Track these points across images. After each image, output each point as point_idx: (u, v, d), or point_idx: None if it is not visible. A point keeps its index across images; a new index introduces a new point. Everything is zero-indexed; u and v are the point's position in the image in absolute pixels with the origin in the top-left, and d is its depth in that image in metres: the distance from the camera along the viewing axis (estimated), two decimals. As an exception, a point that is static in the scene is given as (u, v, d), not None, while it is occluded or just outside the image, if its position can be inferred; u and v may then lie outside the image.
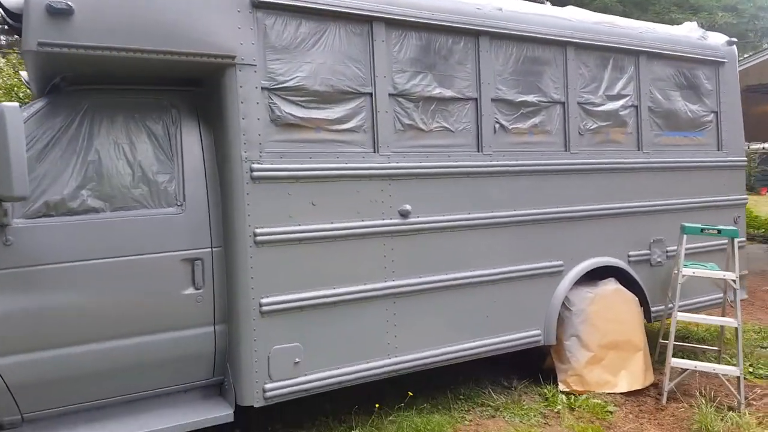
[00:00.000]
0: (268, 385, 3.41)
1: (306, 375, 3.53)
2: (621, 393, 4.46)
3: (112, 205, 3.23)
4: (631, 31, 4.93)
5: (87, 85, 3.29)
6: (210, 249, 3.43)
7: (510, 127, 4.32)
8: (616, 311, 4.63)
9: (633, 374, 4.57)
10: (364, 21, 3.71)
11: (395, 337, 3.83)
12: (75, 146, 3.17)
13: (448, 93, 4.05)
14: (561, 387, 4.47)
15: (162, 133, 3.41)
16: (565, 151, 4.57)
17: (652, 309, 5.05)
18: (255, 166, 3.35)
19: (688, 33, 5.44)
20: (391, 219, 3.80)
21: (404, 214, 3.84)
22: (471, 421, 3.99)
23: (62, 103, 3.21)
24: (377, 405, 3.94)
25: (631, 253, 4.90)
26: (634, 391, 4.50)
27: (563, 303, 4.57)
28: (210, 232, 3.43)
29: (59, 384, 3.09)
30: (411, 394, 3.97)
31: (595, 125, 4.73)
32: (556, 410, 4.13)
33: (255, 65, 3.36)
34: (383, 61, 3.77)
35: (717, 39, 5.59)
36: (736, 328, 4.43)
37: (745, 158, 5.74)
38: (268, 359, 3.41)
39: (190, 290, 3.37)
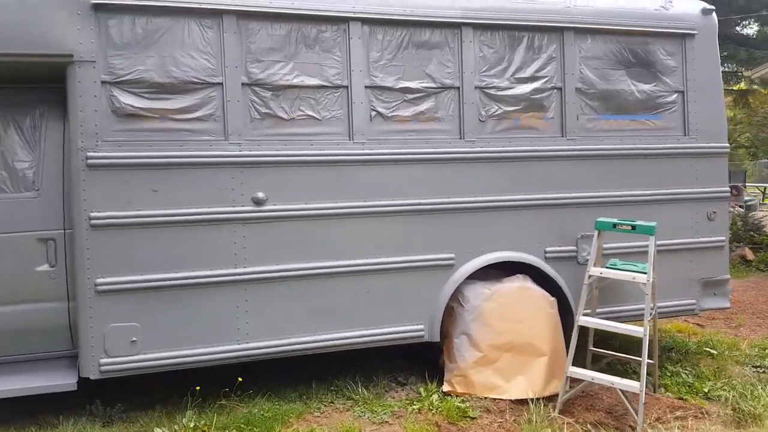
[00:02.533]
0: (104, 360, 3.67)
1: (143, 354, 3.73)
2: (511, 400, 4.13)
3: (-24, 189, 3.68)
4: (551, 6, 4.50)
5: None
6: (63, 230, 3.76)
7: (389, 114, 4.19)
8: (518, 311, 4.29)
9: (531, 381, 4.21)
10: (215, 14, 3.81)
11: (247, 324, 3.91)
12: None
13: (313, 81, 4.02)
14: (445, 387, 4.25)
15: (29, 126, 3.80)
16: (460, 138, 4.32)
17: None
18: (90, 154, 3.61)
19: (644, 3, 4.83)
20: (242, 206, 3.88)
21: (258, 202, 3.90)
22: (323, 412, 3.95)
23: None
24: (239, 382, 4.02)
25: (549, 249, 4.50)
26: (532, 399, 4.15)
27: (458, 299, 4.35)
28: (63, 215, 3.76)
29: None
30: (240, 379, 4.00)
31: (499, 111, 4.41)
32: (415, 409, 3.95)
33: (94, 62, 3.61)
34: (234, 52, 3.85)
35: (688, 8, 4.91)
36: (643, 339, 3.91)
37: (725, 144, 4.97)
38: (104, 336, 3.66)
39: (45, 267, 3.74)
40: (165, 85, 3.75)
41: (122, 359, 3.70)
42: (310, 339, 4.03)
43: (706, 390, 4.37)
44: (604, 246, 4.51)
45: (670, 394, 4.35)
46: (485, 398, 4.12)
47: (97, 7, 3.60)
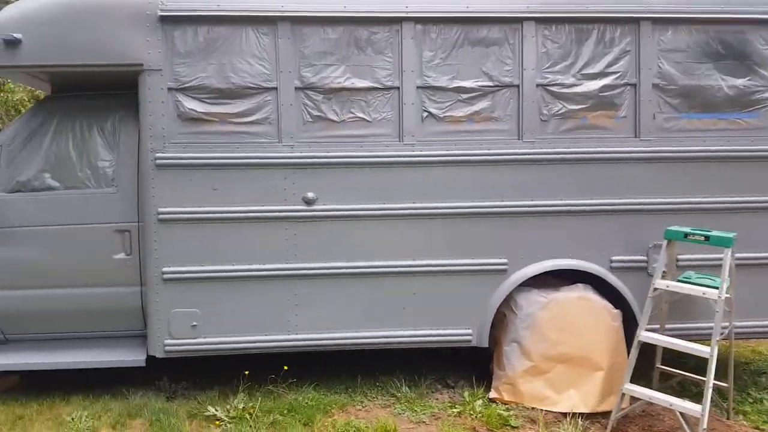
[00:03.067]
0: (168, 341, 4.04)
1: (203, 338, 4.06)
2: (562, 413, 3.96)
3: (65, 185, 4.19)
4: (629, -5, 4.15)
5: (59, 93, 4.29)
6: (137, 223, 4.17)
7: (442, 115, 4.12)
8: (575, 322, 4.08)
9: (584, 395, 4.00)
10: (270, 21, 3.98)
11: (296, 316, 4.10)
12: (42, 140, 4.19)
13: (364, 83, 4.06)
14: (491, 394, 4.17)
15: (109, 128, 4.25)
16: (518, 139, 4.15)
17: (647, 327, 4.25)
18: (159, 155, 3.96)
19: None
20: (294, 205, 4.05)
21: (308, 202, 4.05)
22: (365, 406, 4.05)
23: (40, 108, 4.26)
24: (284, 370, 4.23)
25: (615, 258, 4.21)
26: (586, 414, 3.95)
27: (510, 306, 4.22)
28: (137, 210, 4.16)
29: (28, 316, 4.17)
30: (286, 368, 4.18)
31: (564, 109, 4.17)
32: (454, 413, 3.91)
33: (161, 70, 3.94)
34: (288, 57, 4.00)
35: (795, -10, 4.29)
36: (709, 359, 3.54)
37: (840, 146, 4.30)
38: (169, 319, 4.03)
39: (121, 255, 4.18)
40: (224, 91, 3.99)
41: (184, 341, 4.05)
42: (356, 335, 4.14)
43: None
44: (683, 257, 4.14)
45: (745, 423, 3.92)
46: (532, 409, 3.99)
47: (164, 20, 3.91)
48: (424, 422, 3.82)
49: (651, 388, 4.14)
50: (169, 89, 3.96)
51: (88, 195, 4.19)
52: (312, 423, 3.76)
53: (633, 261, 4.20)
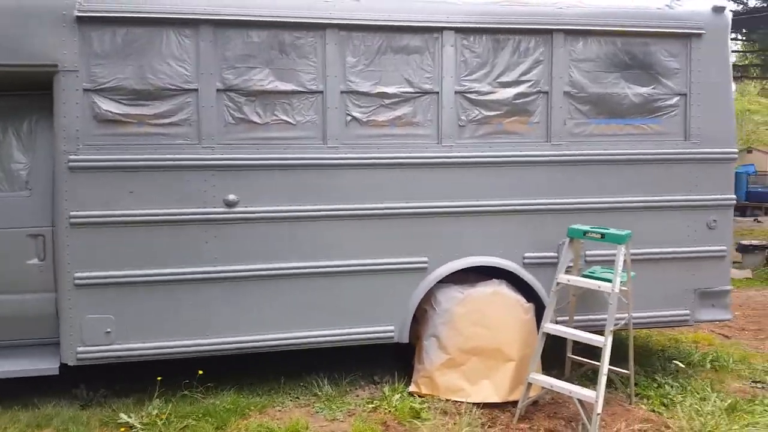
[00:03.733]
0: (80, 348, 3.96)
1: (117, 344, 4.00)
2: (477, 404, 4.16)
3: (-23, 187, 4.03)
4: (540, 8, 4.35)
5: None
6: (51, 227, 4.05)
7: (365, 119, 4.21)
8: (489, 316, 4.28)
9: (496, 385, 4.22)
10: (192, 24, 3.94)
11: (216, 319, 4.11)
12: None
13: (288, 87, 4.09)
14: (411, 387, 4.33)
15: (25, 130, 4.10)
16: (437, 143, 4.30)
17: (558, 319, 4.53)
18: (72, 157, 3.86)
19: (647, 2, 4.58)
20: (214, 208, 4.05)
21: (229, 204, 4.05)
22: (285, 407, 4.12)
23: None
24: (199, 375, 4.24)
25: (527, 255, 4.44)
26: (500, 404, 4.17)
27: (431, 302, 4.39)
28: (52, 214, 4.05)
29: None
30: (201, 372, 4.18)
31: (480, 115, 4.34)
32: (370, 408, 4.06)
33: (77, 71, 3.83)
34: (210, 59, 3.97)
35: (696, 6, 4.61)
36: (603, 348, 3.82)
37: (733, 150, 4.68)
38: (81, 326, 3.95)
39: (35, 261, 4.06)
40: (143, 92, 3.93)
41: (97, 348, 3.98)
42: (279, 336, 4.19)
43: (687, 404, 4.23)
44: (591, 253, 4.43)
45: (643, 406, 4.24)
46: (448, 401, 4.17)
47: (81, 20, 3.80)
48: (338, 419, 3.93)
49: (563, 377, 4.44)
50: (85, 90, 3.86)
51: (0, 198, 4.05)
52: (225, 426, 3.79)
53: (544, 257, 4.45)
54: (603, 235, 3.97)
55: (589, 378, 4.60)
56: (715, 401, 4.22)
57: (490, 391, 4.21)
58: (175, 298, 4.05)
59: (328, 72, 4.11)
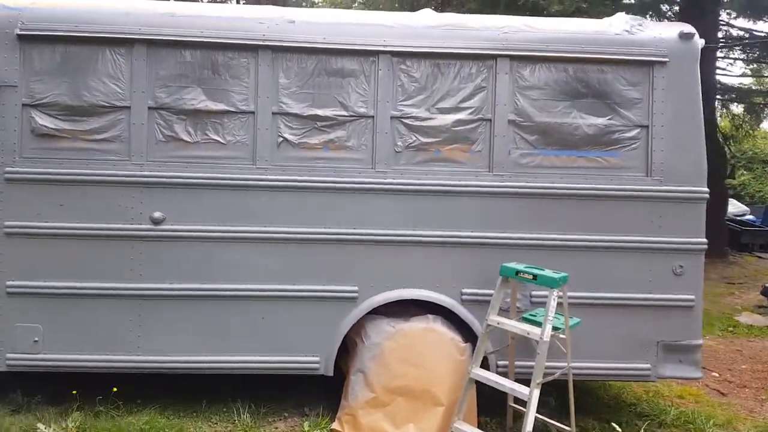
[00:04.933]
0: (10, 355, 4.03)
1: (44, 353, 4.05)
2: (398, 447, 3.90)
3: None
4: (483, 32, 4.20)
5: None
6: None
7: (297, 141, 4.16)
8: (420, 354, 4.05)
9: (423, 430, 3.94)
10: (126, 43, 4.05)
11: (139, 337, 4.09)
12: None
13: (219, 106, 4.11)
14: (334, 425, 4.11)
15: None
16: (371, 168, 4.17)
17: (498, 363, 4.22)
18: (8, 169, 3.99)
19: (606, 27, 4.34)
20: (140, 224, 4.07)
21: (155, 221, 4.06)
22: (194, 430, 4.01)
23: None
24: (114, 389, 4.22)
25: (466, 290, 4.19)
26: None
27: (360, 334, 4.20)
28: None
29: None
30: (115, 389, 4.15)
31: (417, 142, 4.19)
32: (281, 443, 3.88)
33: (16, 86, 4.00)
34: (141, 77, 4.06)
35: (661, 32, 4.32)
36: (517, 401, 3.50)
37: (703, 189, 4.28)
38: (10, 334, 4.02)
39: None
40: (77, 108, 4.04)
41: (25, 356, 4.03)
42: (202, 359, 4.11)
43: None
44: (537, 293, 4.13)
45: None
46: (367, 443, 3.93)
47: (22, 38, 3.98)
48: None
49: (505, 428, 4.11)
50: (24, 105, 4.01)
51: None
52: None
53: (484, 294, 4.16)
54: (535, 276, 3.68)
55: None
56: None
57: (412, 436, 3.93)
58: (101, 312, 4.07)
59: (260, 93, 4.10)
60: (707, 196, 4.30)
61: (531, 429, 3.39)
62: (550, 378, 3.70)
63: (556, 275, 3.62)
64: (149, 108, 4.07)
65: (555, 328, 3.75)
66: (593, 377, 4.26)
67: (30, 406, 4.26)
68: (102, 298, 4.06)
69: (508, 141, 4.21)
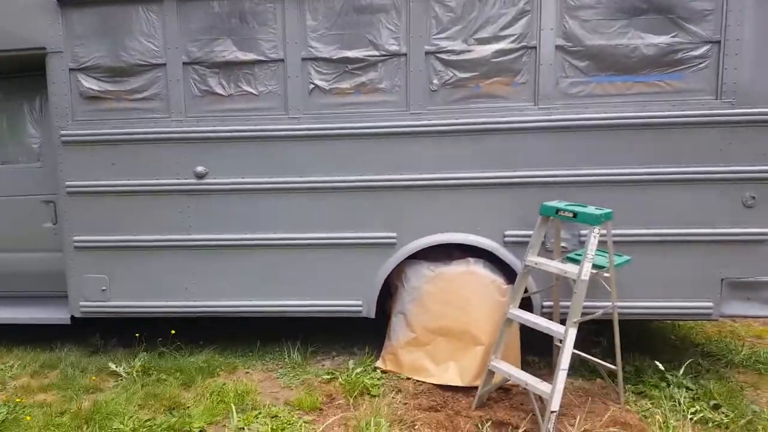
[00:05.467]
0: (83, 303, 4.43)
1: (112, 301, 4.41)
2: (440, 386, 3.96)
3: (1, 160, 4.63)
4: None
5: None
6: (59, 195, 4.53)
7: (328, 87, 4.05)
8: (459, 296, 4.00)
9: (462, 369, 3.95)
10: (156, 0, 4.04)
11: (193, 284, 4.33)
12: None
13: (249, 56, 4.05)
14: (378, 363, 4.23)
15: (36, 107, 4.59)
16: (405, 111, 4.00)
17: (543, 304, 4.09)
18: (63, 132, 4.23)
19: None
20: (185, 179, 4.21)
21: (199, 176, 4.19)
22: (253, 370, 4.27)
23: None
24: (172, 334, 4.57)
25: (508, 232, 4.03)
26: (464, 388, 3.93)
27: (402, 278, 4.20)
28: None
29: None
30: (174, 331, 4.46)
31: (454, 78, 3.94)
32: (325, 379, 4.04)
33: (62, 52, 4.15)
34: (175, 33, 4.06)
35: (740, -74, 3.68)
36: (561, 340, 3.37)
37: (785, 110, 3.75)
38: (81, 284, 4.40)
39: (49, 224, 4.59)
40: (117, 69, 4.15)
41: (95, 303, 4.42)
42: (250, 303, 4.30)
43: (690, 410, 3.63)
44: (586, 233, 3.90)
45: (630, 408, 3.71)
46: (408, 379, 4.02)
47: (62, 3, 4.09)
48: (290, 387, 3.98)
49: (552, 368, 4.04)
50: (71, 70, 4.18)
51: (19, 169, 4.60)
52: (191, 383, 4.03)
53: (528, 236, 3.97)
54: (575, 214, 3.45)
55: (576, 369, 4.14)
56: (726, 413, 3.57)
57: (455, 375, 3.96)
58: (156, 263, 4.33)
59: (287, 38, 3.99)
60: (789, 117, 3.76)
61: (566, 367, 3.27)
62: (588, 318, 3.53)
63: (597, 212, 3.37)
64: (183, 63, 4.10)
65: (599, 267, 3.54)
66: (648, 317, 4.01)
67: (107, 348, 4.70)
68: (156, 250, 4.31)
69: (556, 69, 3.86)
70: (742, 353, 4.46)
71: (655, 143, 3.84)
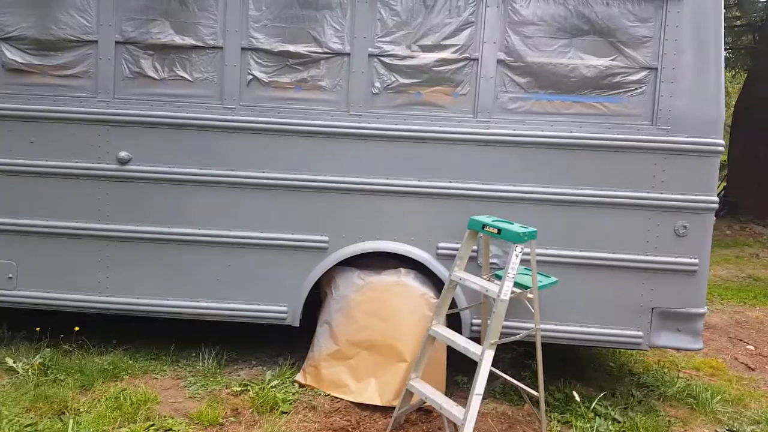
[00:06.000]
0: (-14, 290, 4.09)
1: (18, 290, 4.07)
2: (357, 404, 3.75)
3: None
4: (470, -42, 3.78)
5: None
6: None
7: (267, 80, 3.92)
8: (387, 308, 3.84)
9: (382, 386, 3.76)
10: (93, -28, 3.88)
11: (107, 278, 4.05)
12: None
13: (187, 41, 3.90)
14: (297, 377, 3.99)
15: None
16: (345, 112, 3.90)
17: (472, 322, 3.97)
18: (-19, 104, 3.96)
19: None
20: (107, 164, 3.97)
21: (122, 161, 3.96)
22: (162, 375, 3.97)
23: None
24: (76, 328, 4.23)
25: (441, 244, 3.92)
26: (384, 407, 3.72)
27: (331, 285, 4.02)
28: None
29: None
30: (77, 328, 4.14)
31: (396, 83, 3.87)
32: (235, 391, 3.77)
33: (-16, 18, 3.92)
34: (109, 9, 3.89)
35: (681, -40, 3.79)
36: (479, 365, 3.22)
37: (717, 141, 3.80)
38: (-14, 268, 4.07)
39: None
40: (45, 42, 3.92)
41: (1, 292, 4.06)
42: (168, 303, 4.04)
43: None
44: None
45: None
46: (327, 395, 3.79)
47: (-11, -32, 3.88)
48: (195, 397, 3.69)
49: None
50: (-5, 39, 3.94)
51: None
52: (92, 386, 3.71)
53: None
54: (500, 231, 3.36)
55: (506, 393, 4.01)
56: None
57: (374, 393, 3.76)
58: (70, 251, 4.04)
59: (228, 26, 3.87)
60: (721, 149, 3.82)
61: (481, 392, 3.12)
62: (507, 340, 3.42)
63: (521, 230, 3.29)
64: (116, 42, 3.91)
65: (523, 287, 3.45)
66: (575, 342, 3.94)
67: (13, 341, 4.32)
68: (71, 238, 4.02)
69: (496, 83, 3.84)
70: (677, 385, 4.40)
71: (589, 165, 3.83)
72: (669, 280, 3.87)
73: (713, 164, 3.83)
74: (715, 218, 3.93)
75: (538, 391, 3.56)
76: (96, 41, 3.91)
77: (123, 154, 3.94)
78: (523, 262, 3.84)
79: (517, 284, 3.55)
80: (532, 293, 3.46)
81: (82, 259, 4.04)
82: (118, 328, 4.51)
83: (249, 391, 3.74)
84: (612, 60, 3.81)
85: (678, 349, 4.29)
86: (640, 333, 3.91)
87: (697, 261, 3.85)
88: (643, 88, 3.81)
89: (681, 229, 3.84)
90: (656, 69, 3.78)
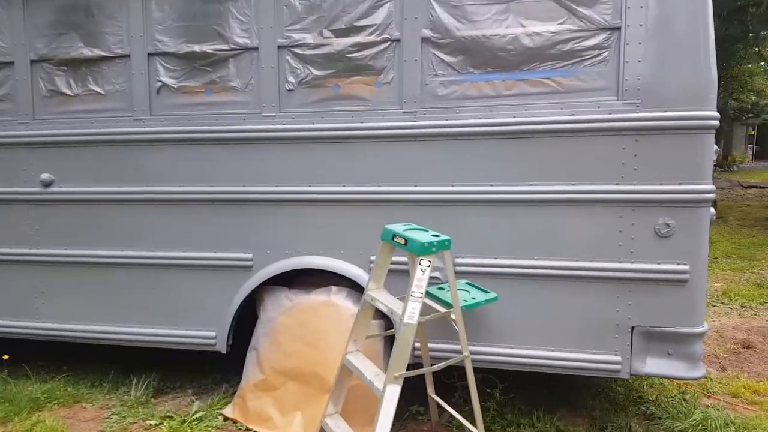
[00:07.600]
0: None
1: (-44, 317, 4.05)
2: (283, 439, 3.33)
3: None
4: None
5: None
6: None
7: (177, 85, 3.60)
8: (315, 331, 3.40)
9: (309, 421, 3.31)
10: (1, -7, 3.75)
11: (43, 303, 3.93)
12: None
13: (96, 52, 3.67)
14: (225, 410, 3.63)
15: None
16: (258, 113, 3.49)
17: (415, 345, 3.41)
18: None
19: None
20: (32, 187, 3.84)
21: (45, 183, 3.81)
22: (93, 405, 3.76)
23: None
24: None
25: (374, 258, 3.40)
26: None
27: (260, 308, 3.64)
28: None
29: None
30: (6, 357, 4.00)
31: (311, 76, 3.40)
32: (152, 425, 3.48)
33: None
34: (20, 28, 3.74)
35: None
36: (380, 400, 2.68)
37: (706, 114, 2.96)
38: None
39: None
40: (-37, 67, 3.86)
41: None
42: (100, 329, 3.84)
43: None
44: (461, 262, 3.25)
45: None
46: (251, 430, 3.41)
47: None
48: (106, 430, 3.45)
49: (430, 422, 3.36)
50: None
51: None
52: (15, 416, 3.58)
53: (397, 263, 3.34)
54: (406, 241, 2.79)
55: (453, 427, 3.42)
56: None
57: (299, 428, 3.32)
58: (6, 277, 3.95)
59: (132, 32, 3.58)
60: (715, 122, 2.98)
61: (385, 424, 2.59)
62: (417, 372, 2.83)
63: (424, 240, 2.70)
64: (31, 61, 3.76)
65: (447, 305, 2.87)
66: (529, 368, 3.25)
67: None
68: (4, 264, 3.94)
69: (423, 67, 3.25)
70: (692, 418, 3.56)
71: (541, 155, 3.14)
72: (651, 293, 3.09)
73: (704, 143, 3.00)
74: (713, 211, 3.09)
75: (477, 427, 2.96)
76: (12, 62, 3.78)
77: (45, 176, 3.78)
78: (467, 276, 3.25)
79: (442, 302, 2.98)
80: (455, 314, 2.86)
81: (18, 285, 3.94)
82: (80, 351, 4.39)
83: (163, 425, 3.43)
84: (561, 24, 3.08)
85: (670, 378, 3.45)
86: (618, 357, 3.15)
87: (687, 267, 3.04)
88: (604, 54, 3.06)
89: (663, 228, 3.04)
90: (619, 29, 3.02)
